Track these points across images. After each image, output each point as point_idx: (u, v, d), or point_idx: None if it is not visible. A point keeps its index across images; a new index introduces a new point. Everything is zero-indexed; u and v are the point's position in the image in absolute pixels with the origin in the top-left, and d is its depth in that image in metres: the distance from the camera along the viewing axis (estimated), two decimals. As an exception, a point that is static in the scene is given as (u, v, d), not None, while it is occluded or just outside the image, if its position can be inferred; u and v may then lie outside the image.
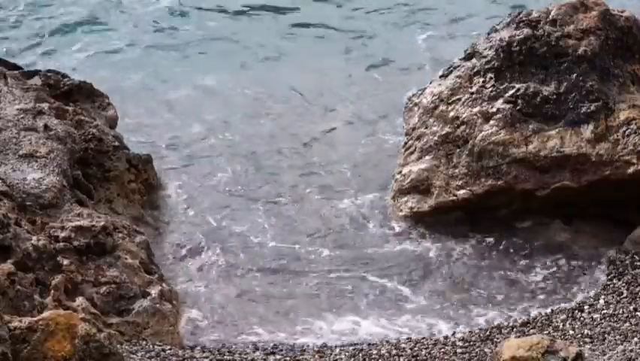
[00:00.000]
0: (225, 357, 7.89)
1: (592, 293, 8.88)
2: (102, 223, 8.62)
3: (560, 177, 9.62)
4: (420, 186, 9.94)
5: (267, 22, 14.21)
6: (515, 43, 10.00)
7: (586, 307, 8.61)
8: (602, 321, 8.33)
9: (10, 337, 6.33)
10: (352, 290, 9.03)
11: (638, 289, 8.76)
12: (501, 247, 9.55)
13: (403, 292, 9.01)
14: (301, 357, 7.98)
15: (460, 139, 9.90)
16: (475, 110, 9.90)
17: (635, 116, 9.65)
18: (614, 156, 9.55)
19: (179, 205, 10.13)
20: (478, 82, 10.00)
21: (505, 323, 8.51)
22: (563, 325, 8.34)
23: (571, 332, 8.22)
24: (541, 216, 9.74)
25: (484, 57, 10.06)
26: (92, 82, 10.61)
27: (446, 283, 9.13)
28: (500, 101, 9.86)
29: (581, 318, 8.42)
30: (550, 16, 10.09)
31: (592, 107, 9.71)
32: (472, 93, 9.98)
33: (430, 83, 10.40)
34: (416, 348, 8.06)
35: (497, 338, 8.16)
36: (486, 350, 7.96)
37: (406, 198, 9.99)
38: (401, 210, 9.95)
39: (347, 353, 8.01)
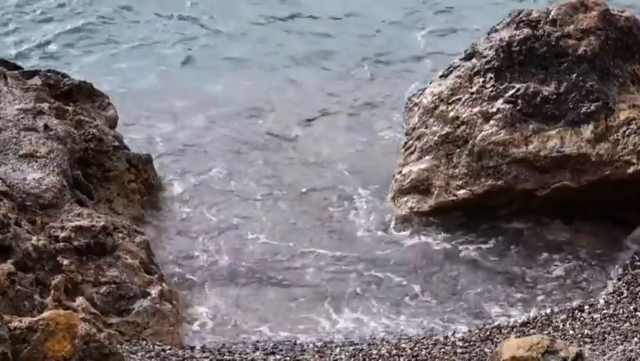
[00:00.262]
0: (225, 357, 7.88)
1: (592, 293, 8.88)
2: (102, 223, 8.62)
3: (560, 177, 9.62)
4: (420, 186, 9.94)
5: (265, 14, 14.21)
6: (515, 43, 10.00)
7: (586, 307, 8.61)
8: (602, 321, 8.32)
9: (10, 337, 6.32)
10: (352, 290, 9.03)
11: (638, 289, 8.76)
12: (501, 247, 9.54)
13: (403, 292, 9.00)
14: (301, 357, 7.98)
15: (460, 139, 9.90)
16: (475, 110, 9.90)
17: (635, 116, 9.65)
18: (614, 156, 9.55)
19: (180, 205, 10.13)
20: (478, 82, 10.00)
21: (505, 323, 8.51)
22: (563, 325, 8.34)
23: (571, 332, 8.21)
24: (541, 216, 9.74)
25: (484, 57, 10.06)
26: (92, 82, 10.63)
27: (446, 283, 9.12)
28: (500, 101, 9.86)
29: (581, 318, 8.42)
30: (550, 16, 10.09)
31: (592, 107, 9.71)
32: (472, 93, 9.98)
33: (430, 83, 10.40)
34: (416, 348, 8.05)
35: (497, 338, 8.16)
36: (486, 350, 7.96)
37: (405, 198, 9.99)
38: (401, 210, 9.95)
39: (347, 353, 8.00)
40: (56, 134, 9.38)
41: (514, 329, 8.35)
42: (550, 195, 9.64)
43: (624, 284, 8.87)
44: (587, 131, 9.65)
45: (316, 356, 8.00)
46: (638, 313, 8.38)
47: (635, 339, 7.91)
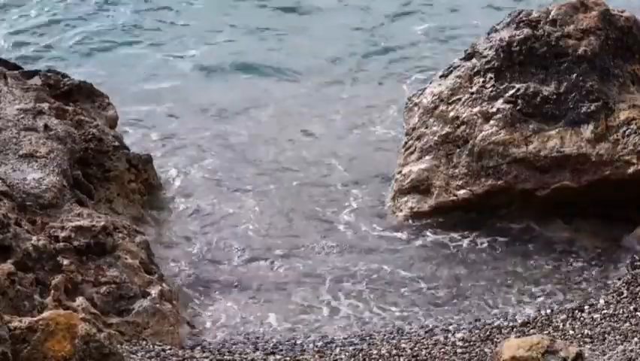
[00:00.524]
0: (225, 357, 7.88)
1: (592, 293, 8.88)
2: (102, 223, 8.61)
3: (560, 177, 9.62)
4: (420, 186, 9.95)
5: (264, 9, 14.23)
6: (515, 43, 10.00)
7: (586, 307, 8.60)
8: (602, 321, 8.32)
9: (10, 337, 6.32)
10: (352, 290, 9.03)
11: (638, 289, 8.76)
12: (501, 247, 9.54)
13: (403, 292, 9.00)
14: (301, 357, 7.98)
15: (460, 139, 9.90)
16: (475, 110, 9.90)
17: (635, 116, 9.65)
18: (614, 156, 9.55)
19: (180, 205, 10.14)
20: (478, 82, 10.01)
21: (505, 323, 8.50)
22: (563, 325, 8.33)
23: (571, 332, 8.21)
24: (541, 216, 9.75)
25: (484, 57, 10.06)
26: (92, 81, 10.64)
27: (446, 283, 9.12)
28: (500, 101, 9.86)
29: (581, 318, 8.41)
30: (550, 16, 10.10)
31: (592, 107, 9.71)
32: (472, 93, 9.98)
33: (430, 83, 10.40)
34: (416, 348, 8.05)
35: (497, 338, 8.15)
36: (486, 350, 7.95)
37: (405, 198, 9.99)
38: (401, 210, 9.95)
39: (347, 353, 8.00)
40: (56, 134, 9.38)
41: (514, 329, 8.35)
42: (550, 195, 9.64)
43: (624, 284, 8.87)
44: (587, 131, 9.65)
45: (316, 356, 8.00)
46: (638, 313, 8.38)
47: (635, 339, 7.91)
